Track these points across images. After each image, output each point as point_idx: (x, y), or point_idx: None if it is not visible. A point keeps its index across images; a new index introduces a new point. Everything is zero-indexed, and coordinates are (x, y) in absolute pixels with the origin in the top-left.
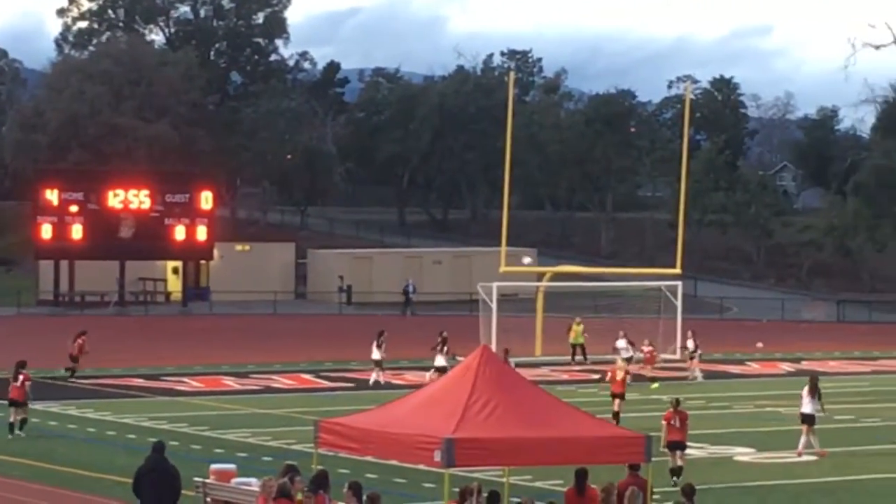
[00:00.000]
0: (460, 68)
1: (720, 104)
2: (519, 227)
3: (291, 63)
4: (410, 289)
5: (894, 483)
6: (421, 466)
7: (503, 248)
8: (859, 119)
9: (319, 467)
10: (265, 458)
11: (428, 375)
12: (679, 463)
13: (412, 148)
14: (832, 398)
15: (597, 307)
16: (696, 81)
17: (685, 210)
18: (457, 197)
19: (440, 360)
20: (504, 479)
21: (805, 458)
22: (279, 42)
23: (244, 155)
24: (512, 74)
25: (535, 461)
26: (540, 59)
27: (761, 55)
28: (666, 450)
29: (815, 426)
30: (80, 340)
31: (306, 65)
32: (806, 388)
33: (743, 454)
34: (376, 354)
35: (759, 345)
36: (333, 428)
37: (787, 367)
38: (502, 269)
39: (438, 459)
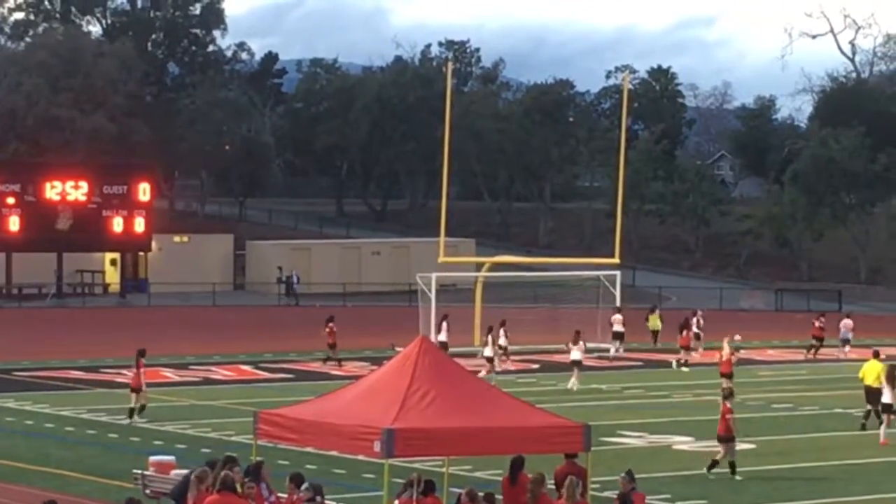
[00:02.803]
0: (399, 59)
1: (658, 94)
2: (458, 218)
3: (229, 54)
4: (295, 279)
5: (831, 470)
6: (361, 457)
7: (442, 239)
8: (796, 108)
9: (258, 458)
10: (204, 450)
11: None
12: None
13: (350, 139)
14: (770, 387)
15: (535, 297)
16: (634, 71)
17: (623, 200)
18: (395, 187)
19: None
20: (444, 469)
21: (743, 446)
22: (217, 33)
23: (182, 146)
24: (450, 65)
25: (475, 451)
26: (478, 50)
27: (704, 46)
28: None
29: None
30: None
31: (244, 56)
32: (884, 378)
33: (682, 443)
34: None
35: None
36: (273, 419)
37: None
38: (441, 259)
39: (378, 450)
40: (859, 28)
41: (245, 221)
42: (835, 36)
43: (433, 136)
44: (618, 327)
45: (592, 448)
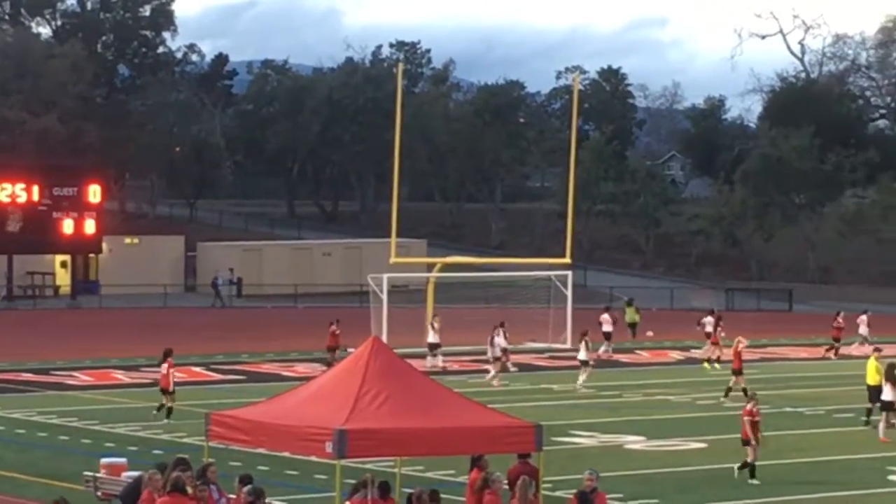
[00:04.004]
0: (349, 60)
1: (608, 95)
2: (409, 219)
3: (179, 55)
4: (220, 281)
5: (780, 469)
6: (313, 458)
7: (393, 240)
8: (746, 109)
9: (208, 460)
10: (156, 452)
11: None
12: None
13: (301, 140)
14: (721, 386)
15: (487, 298)
16: (584, 72)
17: (574, 200)
18: (346, 189)
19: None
20: (396, 470)
21: (694, 445)
22: (167, 34)
23: (132, 148)
24: (400, 66)
25: (427, 451)
26: (429, 51)
27: (656, 46)
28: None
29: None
30: None
31: (194, 57)
32: (884, 375)
33: (633, 442)
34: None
35: (649, 333)
36: (224, 420)
37: (676, 355)
38: (392, 260)
39: (330, 450)
40: (808, 28)
41: (196, 223)
42: (784, 36)
43: (384, 137)
44: (607, 327)
45: (544, 448)
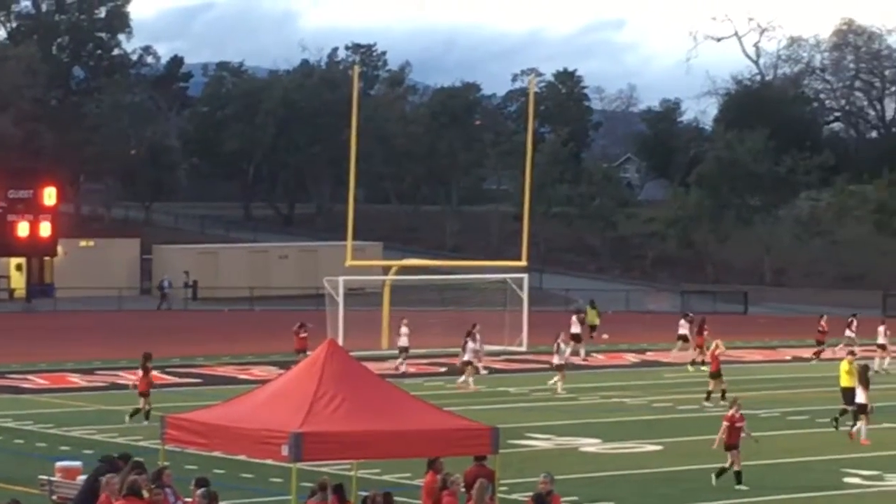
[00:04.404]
0: (305, 63)
1: (564, 97)
2: (365, 221)
3: (135, 58)
4: (166, 284)
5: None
6: (269, 461)
7: (349, 242)
8: (702, 111)
9: (162, 464)
10: (112, 455)
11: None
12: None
13: (257, 142)
14: (677, 388)
15: (443, 300)
16: (540, 74)
17: (530, 203)
18: (302, 191)
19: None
20: (352, 473)
21: (650, 447)
22: (122, 37)
23: (87, 150)
24: (356, 68)
25: (383, 454)
26: (384, 53)
27: (613, 49)
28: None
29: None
30: None
31: (150, 59)
32: (856, 379)
33: (589, 445)
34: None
35: (605, 336)
36: (180, 423)
37: (632, 357)
38: (348, 262)
39: (286, 454)
40: (763, 31)
41: (151, 226)
42: (739, 39)
43: (340, 139)
44: (575, 328)
45: (501, 450)
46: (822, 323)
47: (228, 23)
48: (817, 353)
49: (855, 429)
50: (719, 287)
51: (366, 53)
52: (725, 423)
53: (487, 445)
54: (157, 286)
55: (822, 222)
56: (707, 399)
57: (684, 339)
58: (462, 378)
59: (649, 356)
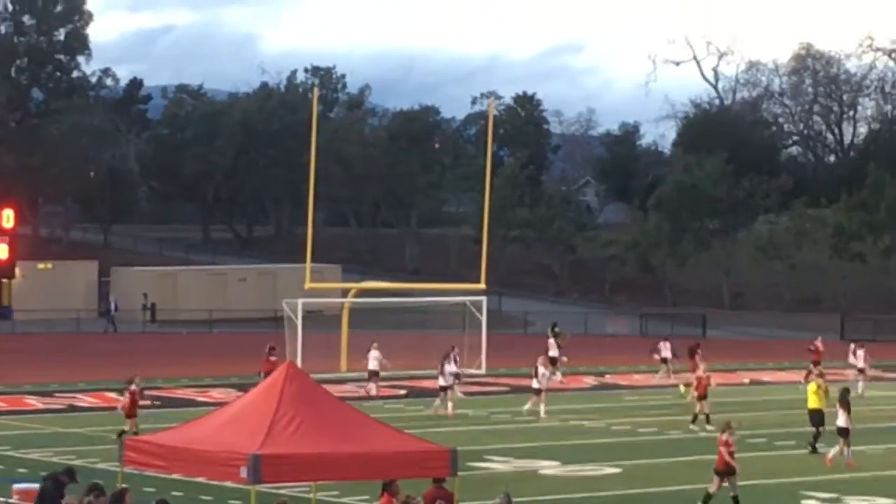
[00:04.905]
0: (265, 85)
1: (523, 120)
2: (324, 244)
3: (94, 80)
4: (113, 307)
5: (697, 494)
6: (228, 483)
7: (308, 265)
8: (660, 135)
9: (122, 486)
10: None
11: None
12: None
13: (216, 165)
14: (636, 411)
15: (402, 323)
16: (499, 98)
17: (489, 226)
18: (261, 214)
19: None
20: (311, 495)
21: (610, 470)
22: (81, 59)
23: (46, 172)
24: (316, 91)
25: (342, 476)
26: (344, 76)
27: (573, 73)
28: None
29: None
30: None
31: (109, 81)
32: (837, 402)
33: (548, 467)
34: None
35: (564, 359)
36: (139, 445)
37: (591, 381)
38: (307, 285)
39: (245, 476)
40: (722, 55)
41: (110, 248)
42: (698, 63)
43: (299, 162)
44: (552, 352)
45: (459, 473)
46: (817, 344)
47: (188, 45)
48: (807, 374)
49: (832, 454)
50: (678, 310)
51: (325, 76)
52: (723, 448)
53: (446, 467)
54: (105, 309)
55: (781, 246)
56: (693, 422)
57: (665, 361)
58: (437, 402)
59: (608, 379)
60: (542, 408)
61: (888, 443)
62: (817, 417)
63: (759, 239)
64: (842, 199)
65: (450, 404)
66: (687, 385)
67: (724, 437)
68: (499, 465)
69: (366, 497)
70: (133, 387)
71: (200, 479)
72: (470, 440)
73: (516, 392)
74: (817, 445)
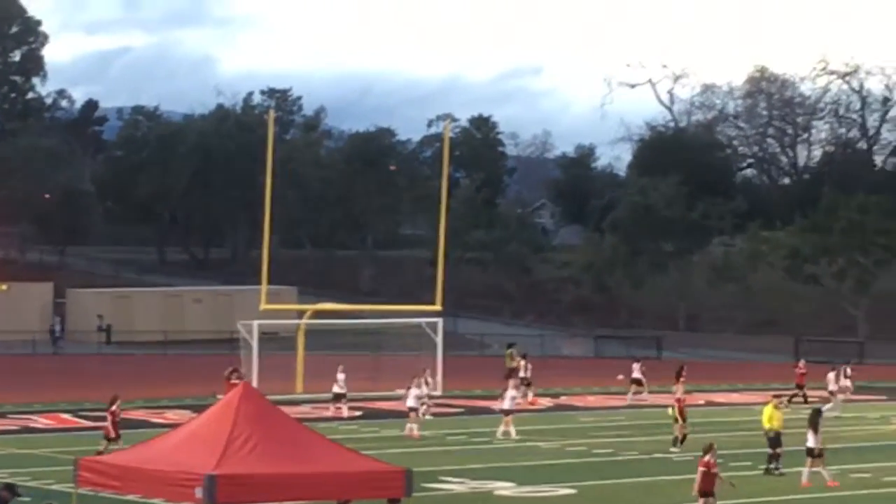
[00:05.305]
0: (220, 107)
1: (479, 143)
2: (280, 266)
3: (49, 101)
4: (57, 328)
5: None
6: None
7: (264, 287)
8: (616, 157)
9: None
10: (24, 500)
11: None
12: None
13: (171, 186)
14: (591, 432)
15: (357, 344)
16: (455, 120)
17: (445, 248)
18: (217, 235)
19: None
20: None
21: (565, 491)
22: (37, 80)
23: (1, 194)
24: (272, 112)
25: (298, 496)
26: (300, 98)
27: (530, 95)
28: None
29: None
30: None
31: (64, 103)
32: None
33: (503, 488)
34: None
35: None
36: (94, 466)
37: (546, 402)
38: (263, 307)
39: (200, 496)
40: (677, 78)
41: (66, 269)
42: (653, 86)
43: (255, 183)
44: (523, 373)
45: (415, 494)
46: (801, 365)
47: (145, 67)
48: (791, 398)
49: (805, 476)
50: (633, 332)
51: (281, 98)
52: (701, 469)
53: (400, 488)
54: (49, 330)
55: (735, 268)
56: (675, 444)
57: (638, 382)
58: (409, 425)
59: (563, 400)
60: (511, 430)
61: (841, 463)
62: (774, 439)
63: (713, 261)
64: (796, 222)
65: (415, 426)
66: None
67: (707, 458)
68: (454, 486)
69: None
70: (114, 408)
71: (156, 501)
72: (425, 461)
73: (472, 413)
74: (771, 467)
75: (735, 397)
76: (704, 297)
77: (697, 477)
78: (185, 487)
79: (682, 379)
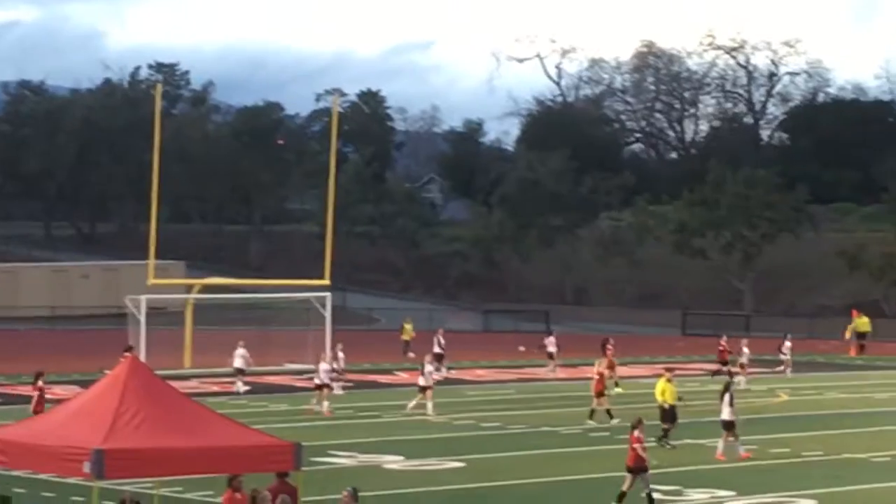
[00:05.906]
0: (108, 82)
1: (367, 117)
2: (168, 241)
3: None
4: None
5: (540, 487)
6: (71, 479)
7: (151, 261)
8: (504, 132)
9: None
10: None
11: None
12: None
13: (58, 161)
14: (480, 406)
15: (246, 319)
16: (344, 95)
17: (333, 222)
18: (104, 211)
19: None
20: (154, 491)
21: (453, 464)
22: None
23: None
24: (159, 87)
25: (186, 471)
26: (188, 73)
27: (419, 70)
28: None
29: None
30: None
31: None
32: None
33: (392, 462)
34: None
35: (411, 355)
36: None
37: (434, 376)
38: (150, 281)
39: (88, 470)
40: (565, 52)
41: None
42: (541, 60)
43: (142, 158)
44: (437, 348)
45: (304, 468)
46: (722, 342)
47: (32, 42)
48: (716, 372)
49: (720, 448)
50: (521, 306)
51: (169, 73)
52: (636, 445)
53: (290, 461)
54: None
55: (623, 242)
56: (590, 417)
57: (551, 356)
58: (315, 401)
59: (452, 374)
60: (429, 405)
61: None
62: (669, 413)
63: (601, 235)
64: (683, 196)
65: (325, 403)
66: (617, 384)
67: (636, 433)
68: (343, 459)
69: (209, 492)
70: (40, 383)
71: (43, 476)
72: (314, 435)
73: (361, 388)
74: (666, 440)
75: (623, 370)
76: (592, 272)
77: (630, 452)
78: (74, 462)
79: (609, 351)
